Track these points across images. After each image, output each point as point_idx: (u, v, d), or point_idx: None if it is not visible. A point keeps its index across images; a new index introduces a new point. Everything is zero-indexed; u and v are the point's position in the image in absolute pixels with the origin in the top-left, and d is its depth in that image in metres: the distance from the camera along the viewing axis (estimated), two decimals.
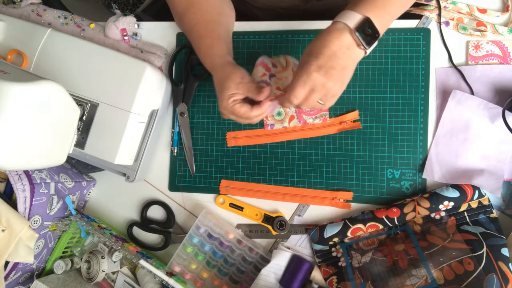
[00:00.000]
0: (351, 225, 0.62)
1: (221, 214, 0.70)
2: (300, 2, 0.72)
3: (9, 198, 0.63)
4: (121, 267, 0.73)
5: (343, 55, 0.48)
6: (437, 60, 0.64)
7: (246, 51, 0.70)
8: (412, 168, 0.64)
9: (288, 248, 0.66)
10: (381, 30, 0.50)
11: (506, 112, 0.57)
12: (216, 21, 0.62)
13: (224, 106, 0.56)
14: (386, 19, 0.51)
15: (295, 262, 0.64)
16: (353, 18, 0.48)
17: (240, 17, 0.69)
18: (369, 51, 0.50)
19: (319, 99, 0.50)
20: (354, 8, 0.49)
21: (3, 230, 0.58)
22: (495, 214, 0.59)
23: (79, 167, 0.75)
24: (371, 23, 0.48)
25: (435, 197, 0.59)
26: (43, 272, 0.71)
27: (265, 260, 0.66)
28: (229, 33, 0.64)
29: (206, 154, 0.71)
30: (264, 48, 0.69)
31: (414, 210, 0.60)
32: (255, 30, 0.70)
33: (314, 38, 0.50)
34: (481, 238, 0.56)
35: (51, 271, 0.70)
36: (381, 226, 0.62)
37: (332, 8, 0.74)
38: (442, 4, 0.64)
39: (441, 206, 0.59)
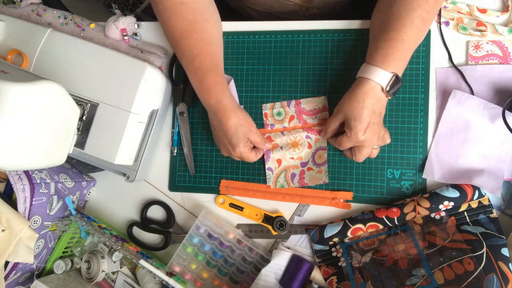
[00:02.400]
0: (351, 225, 0.62)
1: (221, 214, 0.70)
2: (300, 10, 0.72)
3: (9, 198, 0.63)
4: (121, 267, 0.73)
5: (377, 109, 0.55)
6: (437, 60, 0.64)
7: (246, 51, 0.70)
8: (412, 168, 0.64)
9: (288, 248, 0.66)
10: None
11: (506, 112, 0.57)
12: (219, 54, 0.63)
13: (241, 152, 0.61)
14: (405, 65, 0.57)
15: (295, 262, 0.64)
16: (384, 77, 0.54)
17: (238, 17, 0.69)
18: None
19: (373, 146, 0.59)
20: (382, 65, 0.54)
21: (3, 230, 0.58)
22: (495, 214, 0.59)
23: (79, 167, 0.75)
24: (398, 77, 0.55)
25: (435, 197, 0.59)
26: (43, 272, 0.71)
27: (265, 260, 0.66)
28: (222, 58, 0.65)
29: (206, 154, 0.71)
30: (264, 48, 0.69)
31: (414, 210, 0.60)
32: (255, 30, 0.70)
33: (349, 97, 0.56)
34: (481, 238, 0.56)
35: (51, 271, 0.70)
36: (381, 226, 0.62)
37: (331, 15, 0.74)
38: (442, 4, 0.64)
39: (441, 206, 0.59)
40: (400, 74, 0.55)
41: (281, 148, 0.66)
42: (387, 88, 0.54)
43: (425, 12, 0.54)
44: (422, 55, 0.64)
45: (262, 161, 0.68)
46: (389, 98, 0.56)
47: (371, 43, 0.59)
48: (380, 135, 0.58)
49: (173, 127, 0.72)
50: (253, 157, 0.63)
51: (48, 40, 0.64)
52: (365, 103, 0.54)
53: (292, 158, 0.66)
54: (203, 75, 0.60)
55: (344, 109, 0.56)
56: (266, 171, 0.67)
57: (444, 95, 0.63)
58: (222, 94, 0.59)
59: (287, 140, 0.66)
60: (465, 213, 0.60)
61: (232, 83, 0.68)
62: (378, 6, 0.60)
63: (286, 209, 0.68)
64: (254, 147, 0.64)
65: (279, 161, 0.67)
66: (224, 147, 0.62)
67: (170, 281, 0.64)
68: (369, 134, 0.55)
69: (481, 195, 0.59)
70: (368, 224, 0.62)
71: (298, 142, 0.66)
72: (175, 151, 0.71)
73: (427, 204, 0.59)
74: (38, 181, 0.64)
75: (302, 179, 0.66)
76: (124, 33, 0.69)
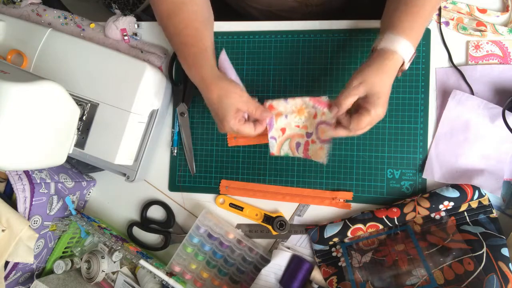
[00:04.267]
0: (351, 225, 0.62)
1: (221, 214, 0.70)
2: (300, 7, 0.72)
3: (9, 198, 0.63)
4: (121, 267, 0.73)
5: (392, 82, 0.52)
6: (437, 60, 0.64)
7: (246, 51, 0.70)
8: (412, 168, 0.64)
9: (288, 248, 0.66)
10: None
11: (506, 112, 0.57)
12: (203, 30, 0.60)
13: (231, 126, 0.56)
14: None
15: (295, 262, 0.64)
16: (409, 51, 0.51)
17: (238, 17, 0.69)
18: None
19: None
20: (409, 38, 0.51)
21: (3, 230, 0.58)
22: (495, 214, 0.59)
23: (79, 167, 0.75)
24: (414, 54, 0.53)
25: (435, 197, 0.59)
26: (43, 272, 0.71)
27: (265, 260, 0.66)
28: (213, 43, 0.62)
29: (206, 154, 0.71)
30: (264, 48, 0.69)
31: (414, 210, 0.60)
32: (255, 30, 0.70)
33: (376, 69, 0.51)
34: (481, 238, 0.56)
35: (51, 271, 0.70)
36: (381, 226, 0.62)
37: (331, 12, 0.74)
38: (442, 4, 0.64)
39: (441, 206, 0.59)
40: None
41: (286, 116, 0.60)
42: (407, 66, 0.52)
43: None
44: (422, 55, 0.64)
45: (262, 159, 0.68)
46: (399, 75, 0.54)
47: (391, 12, 0.55)
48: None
49: (173, 127, 0.72)
50: (248, 129, 0.56)
51: (48, 40, 0.64)
52: (392, 78, 0.51)
53: (298, 126, 0.60)
54: (187, 50, 0.58)
55: (370, 82, 0.50)
56: (269, 139, 0.61)
57: (444, 95, 0.63)
58: (204, 69, 0.57)
59: (292, 107, 0.59)
60: (465, 213, 0.60)
61: (224, 56, 0.63)
62: None
63: (286, 209, 0.68)
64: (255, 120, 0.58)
65: (283, 130, 0.61)
66: (218, 124, 0.59)
67: (170, 281, 0.64)
68: (382, 110, 0.51)
69: (481, 195, 0.59)
70: (368, 224, 0.62)
71: (303, 109, 0.59)
72: (175, 151, 0.71)
73: (427, 204, 0.59)
74: (38, 181, 0.64)
75: (307, 150, 0.61)
76: (124, 33, 0.69)
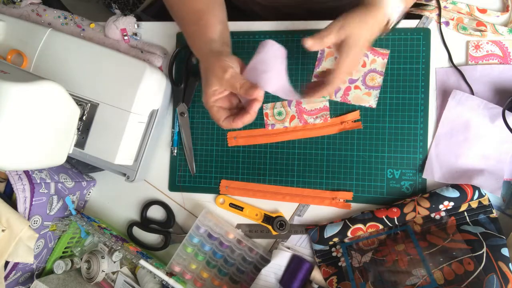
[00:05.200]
0: (351, 225, 0.62)
1: (221, 214, 0.70)
2: (306, 2, 0.71)
3: (9, 198, 0.63)
4: (121, 267, 0.73)
5: (375, 36, 0.52)
6: (437, 60, 0.64)
7: (246, 51, 0.70)
8: (412, 168, 0.64)
9: (288, 248, 0.66)
10: None
11: (506, 112, 0.57)
12: (205, 10, 0.58)
13: (205, 102, 0.53)
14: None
15: (295, 262, 0.64)
16: (397, 10, 0.51)
17: (239, 14, 0.68)
18: None
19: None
20: None
21: (3, 230, 0.58)
22: (495, 214, 0.59)
23: (79, 167, 0.75)
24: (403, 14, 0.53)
25: (435, 197, 0.59)
26: (43, 272, 0.71)
27: (265, 260, 0.66)
28: (219, 18, 0.59)
29: (206, 154, 0.71)
30: None
31: (414, 210, 0.60)
32: (255, 30, 0.70)
33: (359, 21, 0.50)
34: (481, 238, 0.56)
35: (51, 271, 0.70)
36: (381, 226, 0.62)
37: (336, 7, 0.73)
38: (442, 4, 0.64)
39: (441, 206, 0.59)
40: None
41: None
42: (391, 24, 0.52)
43: None
44: (422, 55, 0.64)
45: (262, 159, 0.68)
46: (384, 33, 0.54)
47: None
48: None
49: (173, 127, 0.72)
50: (218, 119, 0.52)
51: (48, 40, 0.64)
52: (372, 34, 0.51)
53: None
54: (188, 29, 0.59)
55: (349, 31, 0.50)
56: (312, 77, 0.65)
57: (444, 95, 0.63)
58: (201, 42, 0.56)
59: None
60: (465, 213, 0.60)
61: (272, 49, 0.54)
62: None
63: (286, 209, 0.68)
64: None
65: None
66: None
67: (170, 281, 0.64)
68: (355, 63, 0.52)
69: (481, 195, 0.59)
70: (368, 224, 0.62)
71: None
72: (175, 151, 0.71)
73: (427, 204, 0.59)
74: (38, 181, 0.64)
75: (346, 95, 0.64)
76: (124, 33, 0.69)
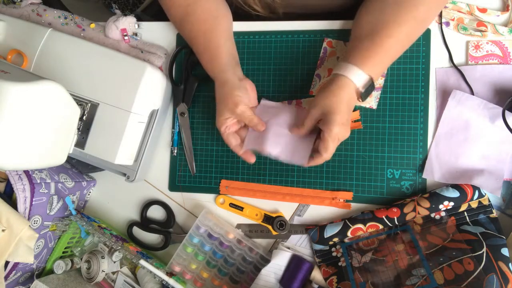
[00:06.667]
0: (351, 225, 0.62)
1: (221, 214, 0.70)
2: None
3: (9, 198, 0.63)
4: (121, 267, 0.73)
5: (351, 105, 0.56)
6: (437, 60, 0.64)
7: (246, 51, 0.70)
8: (412, 168, 0.64)
9: (288, 248, 0.66)
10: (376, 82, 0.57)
11: (506, 112, 0.57)
12: (213, 29, 0.63)
13: (218, 127, 0.61)
14: (381, 73, 0.58)
15: (295, 262, 0.64)
16: (361, 78, 0.54)
17: (238, 15, 0.68)
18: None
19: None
20: (361, 66, 0.54)
21: (3, 230, 0.58)
22: (495, 214, 0.59)
23: (79, 167, 0.75)
24: (373, 82, 0.55)
25: (435, 197, 0.59)
26: (43, 272, 0.71)
27: (265, 260, 0.66)
28: (227, 36, 0.65)
29: (206, 154, 0.71)
30: (264, 48, 0.69)
31: (414, 210, 0.60)
32: (255, 30, 0.70)
33: (324, 91, 0.55)
34: (481, 238, 0.56)
35: (51, 271, 0.70)
36: (381, 226, 0.62)
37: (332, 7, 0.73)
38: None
39: (441, 206, 0.59)
40: (375, 81, 0.56)
41: (337, 58, 0.64)
42: (362, 90, 0.54)
43: (411, 29, 0.55)
44: (422, 55, 0.64)
45: (262, 159, 0.68)
46: (360, 101, 0.56)
47: (353, 43, 0.58)
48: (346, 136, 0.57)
49: (173, 127, 0.72)
50: (233, 146, 0.62)
51: (48, 40, 0.64)
52: (341, 96, 0.54)
53: None
54: (200, 56, 0.64)
55: (321, 105, 0.55)
56: (314, 77, 0.66)
57: (444, 95, 0.63)
58: (214, 70, 0.62)
59: (345, 50, 0.63)
60: (465, 213, 0.60)
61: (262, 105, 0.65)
62: (367, 7, 0.59)
63: (286, 209, 0.68)
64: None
65: (330, 71, 0.65)
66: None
67: (170, 281, 0.64)
68: (344, 131, 0.55)
69: (481, 195, 0.59)
70: (368, 224, 0.62)
71: None
72: (175, 151, 0.71)
73: (427, 204, 0.59)
74: (38, 181, 0.64)
75: None
76: (124, 33, 0.69)
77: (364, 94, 0.55)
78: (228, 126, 0.61)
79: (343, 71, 0.54)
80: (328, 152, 0.55)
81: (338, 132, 0.54)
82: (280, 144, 0.60)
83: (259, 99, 0.66)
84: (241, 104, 0.58)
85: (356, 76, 0.54)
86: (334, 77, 0.55)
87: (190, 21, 0.63)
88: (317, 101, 0.56)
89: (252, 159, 0.63)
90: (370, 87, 0.55)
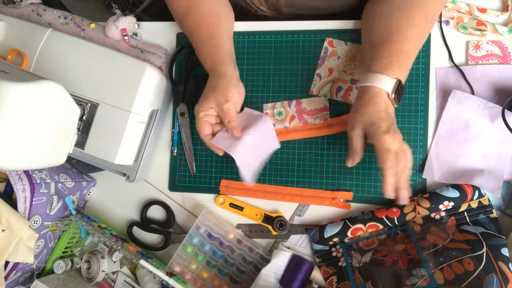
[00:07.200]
0: (351, 225, 0.62)
1: (221, 214, 0.70)
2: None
3: (9, 198, 0.63)
4: (121, 267, 0.73)
5: (391, 114, 0.54)
6: (437, 60, 0.64)
7: (246, 51, 0.70)
8: (412, 168, 0.64)
9: (288, 248, 0.66)
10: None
11: (506, 111, 0.57)
12: (216, 25, 0.63)
13: (195, 112, 0.60)
14: (406, 75, 0.56)
15: (295, 262, 0.64)
16: (389, 83, 0.53)
17: (245, 15, 0.68)
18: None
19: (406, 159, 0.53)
20: (386, 72, 0.53)
21: (3, 230, 0.58)
22: (495, 214, 0.59)
23: (79, 167, 0.75)
24: (402, 84, 0.54)
25: (435, 197, 0.59)
26: (43, 272, 0.71)
27: (265, 260, 0.66)
28: (228, 34, 0.65)
29: (206, 154, 0.71)
30: (264, 48, 0.69)
31: (414, 210, 0.60)
32: (255, 30, 0.70)
33: (359, 108, 0.54)
34: (481, 238, 0.56)
35: (51, 271, 0.70)
36: (381, 226, 0.62)
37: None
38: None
39: (441, 206, 0.59)
40: (404, 80, 0.55)
41: (338, 57, 0.64)
42: (393, 95, 0.53)
43: (423, 29, 0.56)
44: (422, 55, 0.64)
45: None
46: (395, 106, 0.55)
47: (371, 50, 0.57)
48: (402, 142, 0.53)
49: (173, 127, 0.72)
50: (203, 135, 0.61)
51: (48, 40, 0.64)
52: (378, 105, 0.53)
53: (345, 71, 0.64)
54: (200, 47, 0.63)
55: (360, 121, 0.53)
56: (315, 76, 0.66)
57: (444, 95, 0.63)
58: (214, 63, 0.61)
59: (348, 52, 0.64)
60: (465, 213, 0.60)
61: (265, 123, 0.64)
62: (374, 12, 0.59)
63: (286, 209, 0.68)
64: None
65: (330, 70, 0.65)
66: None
67: (170, 281, 0.64)
68: (395, 134, 0.51)
69: (481, 195, 0.59)
70: (368, 224, 0.62)
71: (356, 57, 0.64)
72: (175, 151, 0.71)
73: (427, 204, 0.59)
74: (38, 181, 0.64)
75: (347, 95, 0.65)
76: (124, 33, 0.69)
77: (397, 98, 0.54)
78: (207, 115, 0.60)
79: (371, 82, 0.53)
80: (391, 167, 0.51)
81: (390, 140, 0.51)
82: (245, 156, 0.61)
83: (254, 105, 0.67)
84: (230, 102, 0.58)
85: (384, 84, 0.53)
86: (363, 90, 0.55)
87: (192, 15, 0.63)
88: (354, 119, 0.54)
89: (220, 152, 0.62)
90: (400, 89, 0.54)
